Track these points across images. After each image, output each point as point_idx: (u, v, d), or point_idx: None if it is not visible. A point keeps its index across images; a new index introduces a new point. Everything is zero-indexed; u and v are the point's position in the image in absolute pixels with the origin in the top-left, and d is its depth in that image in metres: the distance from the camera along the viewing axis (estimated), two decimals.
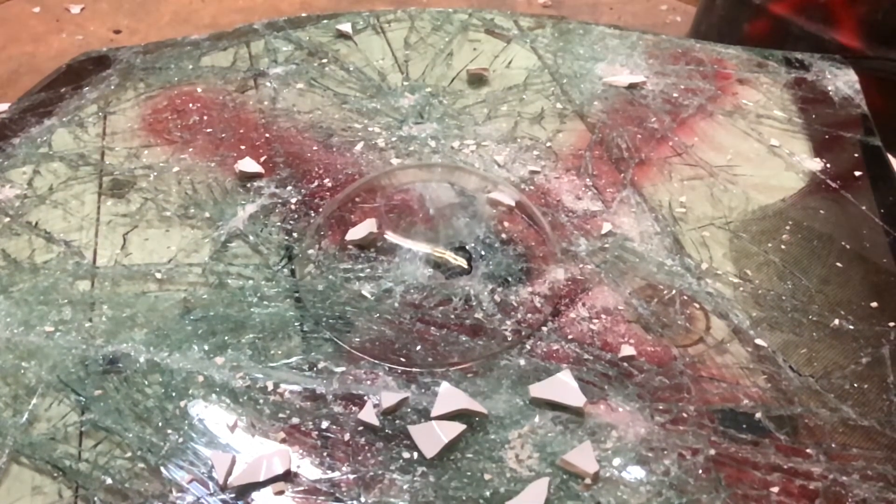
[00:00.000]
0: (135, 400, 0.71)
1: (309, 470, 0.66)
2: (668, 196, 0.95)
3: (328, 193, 0.95)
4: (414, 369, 0.74)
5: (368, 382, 0.73)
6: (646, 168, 0.99)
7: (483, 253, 0.87)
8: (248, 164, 0.97)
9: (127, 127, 1.06)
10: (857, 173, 0.98)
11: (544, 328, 0.78)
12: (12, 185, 0.96)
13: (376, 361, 0.75)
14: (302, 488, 0.65)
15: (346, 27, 1.27)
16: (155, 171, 0.98)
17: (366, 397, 0.71)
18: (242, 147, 1.02)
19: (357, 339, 0.77)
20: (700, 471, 0.66)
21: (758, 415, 0.70)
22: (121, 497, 0.64)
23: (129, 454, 0.67)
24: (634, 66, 1.18)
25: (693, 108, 1.10)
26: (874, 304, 0.81)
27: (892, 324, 0.79)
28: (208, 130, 1.05)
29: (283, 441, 0.68)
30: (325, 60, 1.20)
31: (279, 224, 0.90)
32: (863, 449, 0.68)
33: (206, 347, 0.76)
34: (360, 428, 0.69)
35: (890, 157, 1.01)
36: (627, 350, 0.76)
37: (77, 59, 1.24)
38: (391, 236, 0.89)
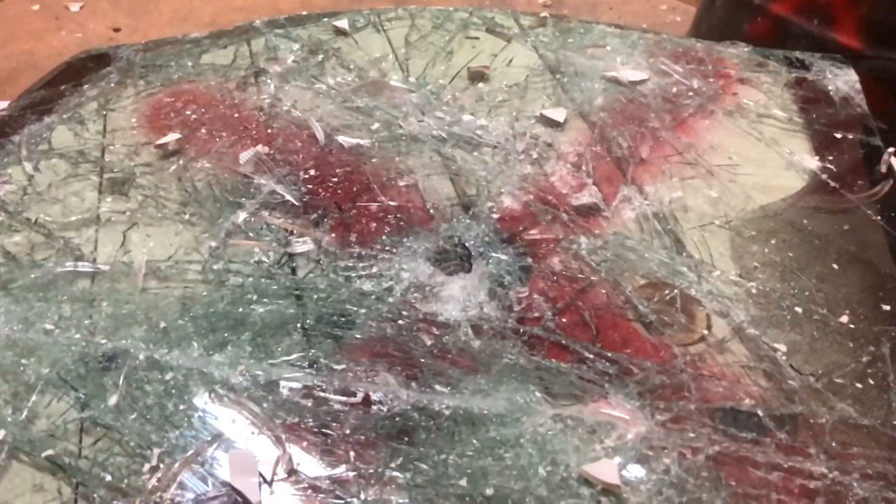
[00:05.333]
0: (134, 397, 0.71)
1: (309, 467, 0.66)
2: (669, 195, 0.95)
3: (328, 191, 0.95)
4: (414, 367, 0.74)
5: (369, 380, 0.73)
6: (646, 167, 0.99)
7: (482, 250, 0.87)
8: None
9: (127, 124, 1.06)
10: (858, 173, 0.98)
11: (545, 326, 0.78)
12: (12, 181, 0.96)
13: (377, 359, 0.75)
14: (302, 485, 0.65)
15: (342, 23, 1.27)
16: (155, 169, 0.98)
17: (366, 394, 0.71)
18: (243, 144, 1.02)
19: (357, 337, 0.77)
20: (700, 469, 0.66)
21: (759, 413, 0.70)
22: (121, 494, 0.64)
23: (128, 451, 0.67)
24: (635, 64, 1.18)
25: (693, 108, 1.10)
26: (874, 303, 0.81)
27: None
28: (208, 128, 1.05)
29: (284, 438, 0.68)
30: (325, 58, 1.20)
31: (279, 221, 0.90)
32: (863, 448, 0.68)
33: (206, 345, 0.76)
34: (361, 425, 0.69)
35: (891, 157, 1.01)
36: (628, 348, 0.76)
37: (77, 56, 1.24)
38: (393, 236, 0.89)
